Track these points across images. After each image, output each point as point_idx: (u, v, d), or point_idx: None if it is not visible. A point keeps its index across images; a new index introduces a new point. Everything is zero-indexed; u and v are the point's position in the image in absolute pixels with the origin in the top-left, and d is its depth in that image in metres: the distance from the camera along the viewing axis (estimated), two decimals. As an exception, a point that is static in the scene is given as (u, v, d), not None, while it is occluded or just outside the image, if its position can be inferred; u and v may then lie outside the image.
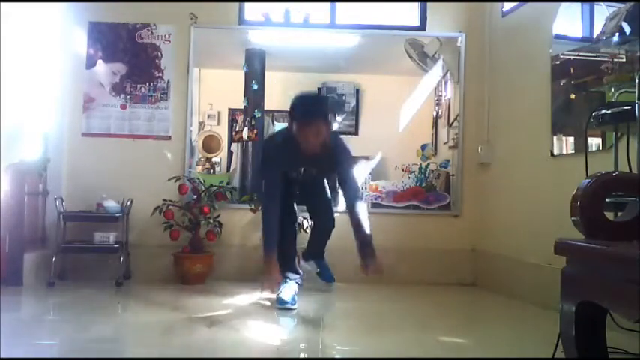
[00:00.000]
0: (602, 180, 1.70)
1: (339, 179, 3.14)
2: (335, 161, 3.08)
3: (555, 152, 3.46)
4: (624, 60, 2.86)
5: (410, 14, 4.67)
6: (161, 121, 4.47)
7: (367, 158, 4.93)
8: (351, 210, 3.03)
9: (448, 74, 4.75)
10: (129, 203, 4.17)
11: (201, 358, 2.37)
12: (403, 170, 4.67)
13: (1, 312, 2.95)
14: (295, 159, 3.02)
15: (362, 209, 3.04)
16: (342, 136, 3.43)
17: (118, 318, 3.27)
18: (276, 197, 3.00)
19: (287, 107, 3.04)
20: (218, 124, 5.66)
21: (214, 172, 5.49)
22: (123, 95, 4.46)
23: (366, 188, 4.63)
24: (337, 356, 2.53)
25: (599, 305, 1.50)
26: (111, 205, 4.09)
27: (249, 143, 4.92)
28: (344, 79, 5.57)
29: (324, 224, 3.44)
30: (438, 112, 5.04)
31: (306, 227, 4.00)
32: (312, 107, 2.87)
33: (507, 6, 4.15)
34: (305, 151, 2.91)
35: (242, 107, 4.93)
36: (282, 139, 3.00)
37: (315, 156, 2.93)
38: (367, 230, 2.98)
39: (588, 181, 1.68)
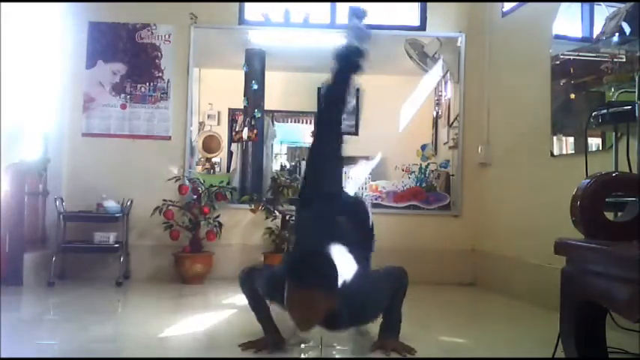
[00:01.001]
0: (602, 180, 1.70)
1: None
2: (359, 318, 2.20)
3: (555, 152, 3.46)
4: (624, 60, 2.86)
5: (410, 14, 4.67)
6: (161, 121, 4.47)
7: (367, 158, 4.92)
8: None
9: (448, 74, 4.76)
10: (129, 203, 4.18)
11: (201, 358, 2.37)
12: (403, 170, 4.67)
13: (1, 312, 2.95)
14: None
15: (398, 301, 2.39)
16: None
17: (118, 318, 3.27)
18: (261, 304, 2.41)
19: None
20: (218, 124, 5.66)
21: (214, 172, 5.50)
22: (123, 95, 4.46)
23: (366, 188, 4.63)
24: (337, 356, 2.53)
25: (599, 305, 1.50)
26: (111, 205, 4.09)
27: (249, 143, 4.92)
28: (344, 79, 5.56)
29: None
30: (438, 112, 5.04)
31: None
32: (310, 274, 1.92)
33: (507, 6, 4.15)
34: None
35: (242, 107, 4.93)
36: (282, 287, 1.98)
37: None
38: (395, 316, 2.38)
39: (588, 181, 1.68)
